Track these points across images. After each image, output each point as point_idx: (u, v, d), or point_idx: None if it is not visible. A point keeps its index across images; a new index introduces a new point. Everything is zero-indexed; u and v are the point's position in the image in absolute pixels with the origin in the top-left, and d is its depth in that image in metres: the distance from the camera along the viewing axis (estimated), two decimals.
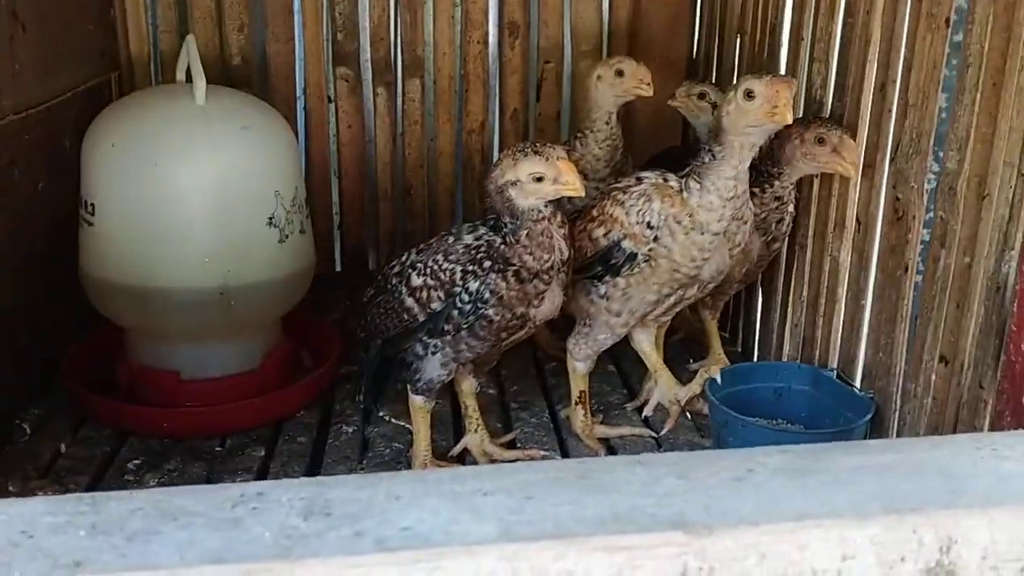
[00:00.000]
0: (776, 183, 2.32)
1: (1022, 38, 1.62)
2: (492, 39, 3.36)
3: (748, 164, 2.03)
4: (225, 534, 0.87)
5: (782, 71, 2.61)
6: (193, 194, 2.27)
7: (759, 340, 2.81)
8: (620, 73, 2.53)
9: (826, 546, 0.85)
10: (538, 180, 1.91)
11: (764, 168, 2.33)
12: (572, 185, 1.89)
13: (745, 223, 2.14)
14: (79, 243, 2.42)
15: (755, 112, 1.95)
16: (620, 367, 2.81)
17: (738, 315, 2.99)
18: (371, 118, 3.37)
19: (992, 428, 1.55)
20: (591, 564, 0.83)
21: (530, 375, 2.80)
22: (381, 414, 2.50)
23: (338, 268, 3.48)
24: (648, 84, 2.52)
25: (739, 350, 2.95)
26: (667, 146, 2.93)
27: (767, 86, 1.95)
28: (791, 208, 2.40)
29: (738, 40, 2.92)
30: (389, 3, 3.26)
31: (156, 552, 0.85)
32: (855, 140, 2.19)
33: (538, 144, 1.94)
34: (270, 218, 2.35)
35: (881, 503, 0.89)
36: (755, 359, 2.80)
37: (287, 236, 2.40)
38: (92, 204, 2.32)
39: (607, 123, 2.59)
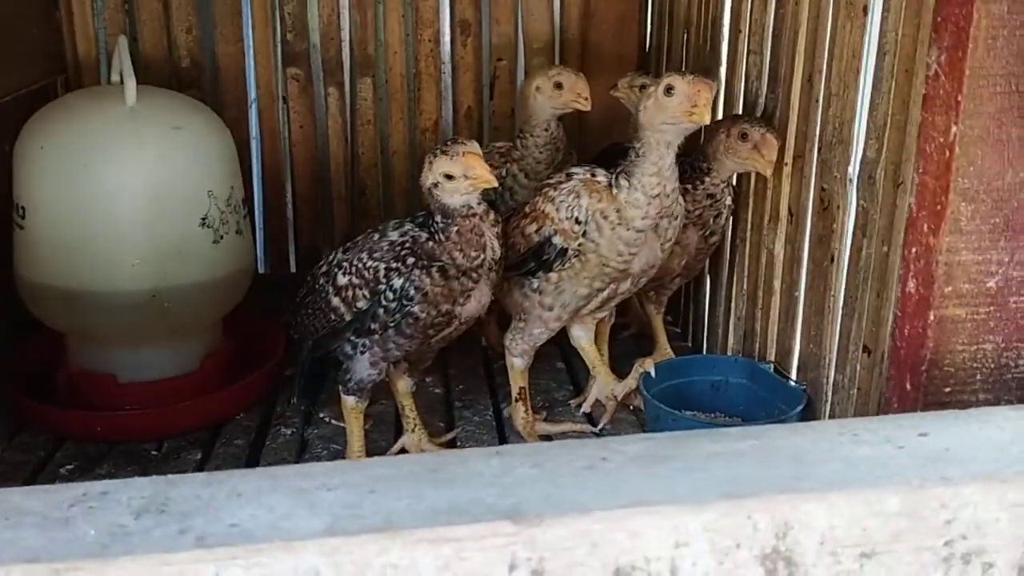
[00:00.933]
0: (707, 179, 2.31)
1: (929, 23, 1.60)
2: (444, 37, 3.35)
3: (669, 162, 2.00)
4: (50, 533, 0.85)
5: (722, 64, 2.61)
6: (123, 195, 2.25)
7: (707, 334, 2.80)
8: (559, 86, 2.47)
9: (658, 533, 0.84)
10: (450, 178, 1.90)
11: (697, 164, 2.32)
12: (482, 178, 1.88)
13: (676, 219, 2.12)
14: (13, 247, 2.40)
15: (673, 109, 1.93)
16: (569, 363, 2.80)
17: (688, 310, 2.98)
18: (323, 118, 3.35)
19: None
20: (416, 557, 0.82)
21: (478, 374, 2.78)
22: (322, 415, 2.49)
23: (293, 269, 3.46)
24: (586, 99, 2.46)
25: (689, 344, 2.94)
26: (608, 143, 2.91)
27: (689, 84, 1.93)
28: (728, 201, 2.38)
29: (685, 34, 2.91)
30: (339, 2, 3.24)
31: None
32: (785, 132, 2.18)
33: (448, 143, 1.93)
34: (203, 219, 2.33)
35: (722, 489, 0.88)
36: (704, 353, 2.79)
37: (222, 237, 2.38)
38: (23, 207, 2.30)
39: (546, 130, 2.54)
